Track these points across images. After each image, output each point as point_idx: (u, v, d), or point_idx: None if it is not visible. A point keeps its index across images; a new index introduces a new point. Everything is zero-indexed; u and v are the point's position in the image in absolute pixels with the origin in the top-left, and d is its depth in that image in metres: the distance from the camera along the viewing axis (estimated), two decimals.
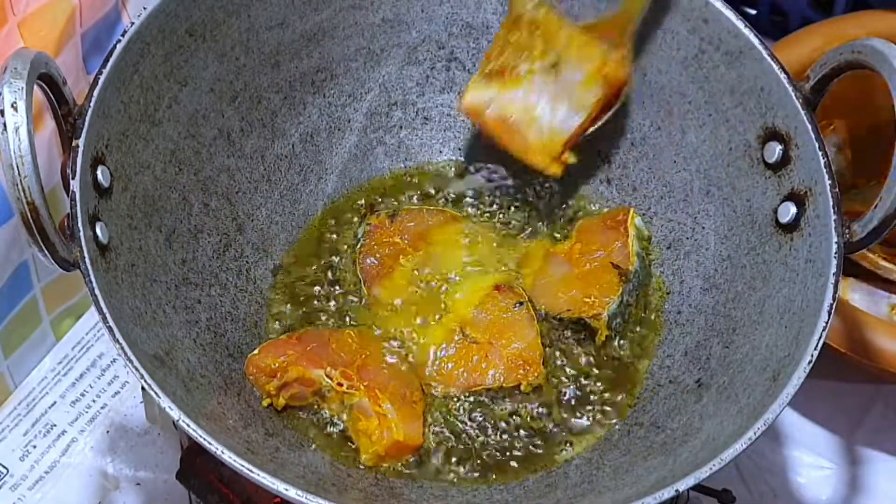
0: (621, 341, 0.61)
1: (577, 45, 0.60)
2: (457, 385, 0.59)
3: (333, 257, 0.65)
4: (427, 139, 0.70)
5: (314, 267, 0.65)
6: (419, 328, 0.61)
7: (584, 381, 0.60)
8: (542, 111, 0.61)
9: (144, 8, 0.55)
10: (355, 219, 0.66)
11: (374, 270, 0.63)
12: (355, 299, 0.63)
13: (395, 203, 0.67)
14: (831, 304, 0.50)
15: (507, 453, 0.58)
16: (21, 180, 0.46)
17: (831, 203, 0.53)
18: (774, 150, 0.57)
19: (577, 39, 0.60)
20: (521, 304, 0.61)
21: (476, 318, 0.61)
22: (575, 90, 0.61)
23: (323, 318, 0.63)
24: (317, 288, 0.64)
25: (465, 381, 0.59)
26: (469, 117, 0.64)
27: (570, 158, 0.62)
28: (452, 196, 0.68)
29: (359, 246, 0.64)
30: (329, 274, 0.64)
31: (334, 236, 0.66)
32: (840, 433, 0.73)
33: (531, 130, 0.61)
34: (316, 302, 0.63)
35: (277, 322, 0.62)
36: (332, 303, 0.63)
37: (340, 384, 0.57)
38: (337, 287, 0.64)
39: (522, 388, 0.59)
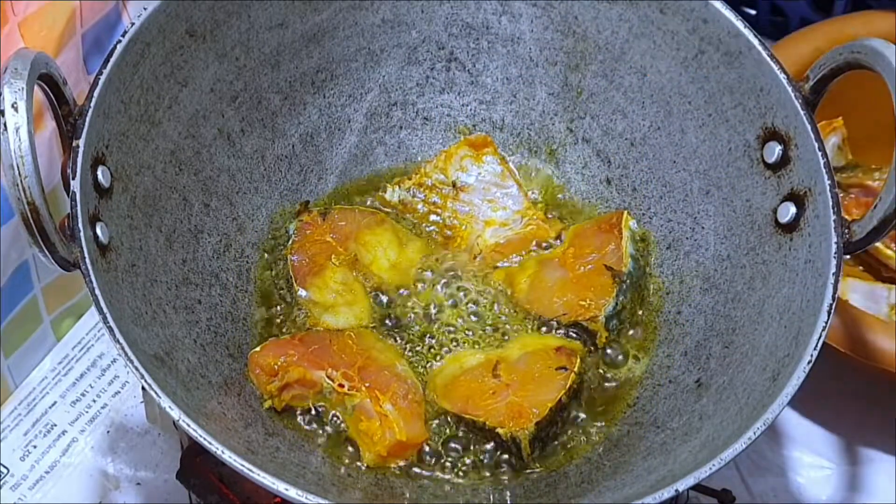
0: (624, 337, 0.61)
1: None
2: (452, 404, 0.58)
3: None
4: (427, 139, 0.70)
5: None
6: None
7: (583, 381, 0.60)
8: None
9: (144, 8, 0.55)
10: None
11: (304, 268, 0.62)
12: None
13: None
14: (831, 304, 0.50)
15: (507, 453, 0.58)
16: (21, 180, 0.46)
17: (831, 203, 0.53)
18: (774, 150, 0.57)
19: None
20: (565, 369, 0.58)
21: (518, 362, 0.59)
22: None
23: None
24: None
25: (462, 406, 0.57)
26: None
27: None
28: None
29: (290, 243, 0.63)
30: None
31: None
32: (840, 433, 0.73)
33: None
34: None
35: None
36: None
37: (342, 385, 0.57)
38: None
39: (501, 433, 0.56)
